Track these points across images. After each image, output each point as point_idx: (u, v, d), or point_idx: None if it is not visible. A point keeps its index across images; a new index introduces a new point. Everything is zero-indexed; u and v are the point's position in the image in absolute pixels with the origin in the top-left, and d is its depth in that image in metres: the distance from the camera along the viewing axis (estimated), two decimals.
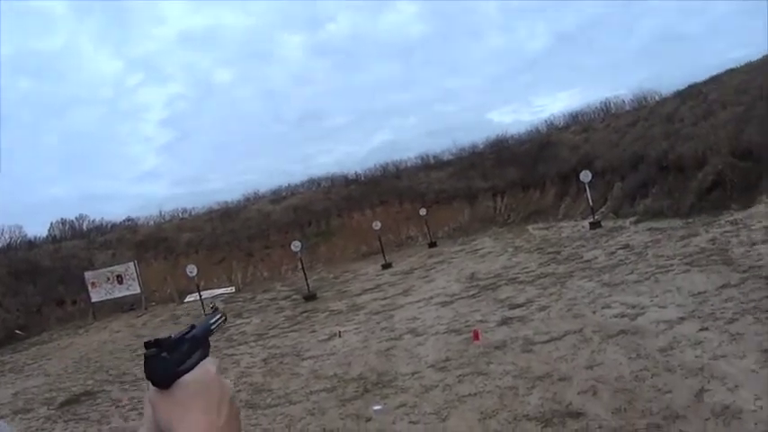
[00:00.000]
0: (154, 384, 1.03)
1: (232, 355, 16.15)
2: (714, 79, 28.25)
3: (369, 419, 8.99)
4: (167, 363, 1.02)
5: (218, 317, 1.27)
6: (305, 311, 21.10)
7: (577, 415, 7.52)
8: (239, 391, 12.05)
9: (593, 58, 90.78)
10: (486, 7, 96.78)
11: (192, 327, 1.15)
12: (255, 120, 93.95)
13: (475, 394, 9.02)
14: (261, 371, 13.67)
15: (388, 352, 12.79)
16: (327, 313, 19.59)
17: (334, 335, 15.78)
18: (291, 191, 44.30)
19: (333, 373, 12.03)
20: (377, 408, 9.38)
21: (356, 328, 16.07)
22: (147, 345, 1.04)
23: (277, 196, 43.68)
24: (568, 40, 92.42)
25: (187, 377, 1.03)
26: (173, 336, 1.08)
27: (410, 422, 8.53)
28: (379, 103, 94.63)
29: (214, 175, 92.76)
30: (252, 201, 44.08)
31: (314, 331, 17.09)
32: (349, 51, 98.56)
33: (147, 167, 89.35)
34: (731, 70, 27.98)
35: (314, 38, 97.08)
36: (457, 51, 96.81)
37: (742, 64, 28.03)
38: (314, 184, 44.41)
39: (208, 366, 1.07)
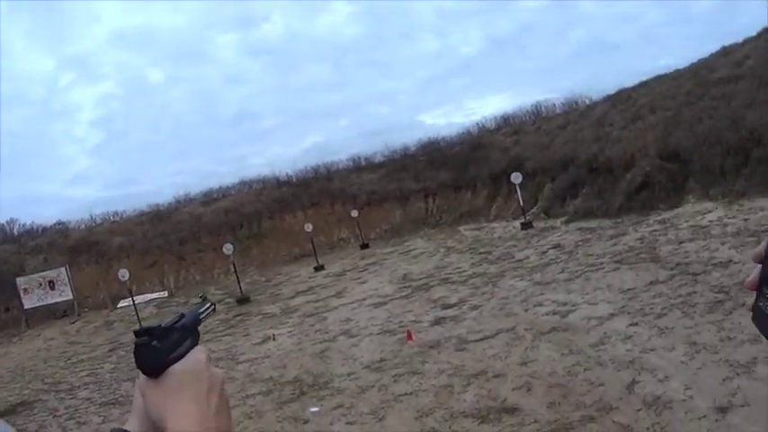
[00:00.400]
0: (144, 373, 1.01)
1: None
2: (643, 85, 28.81)
3: (306, 421, 8.82)
4: (158, 351, 1.01)
5: (207, 306, 1.24)
6: (238, 315, 20.81)
7: (513, 410, 7.50)
8: None
9: (526, 63, 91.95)
10: (421, 10, 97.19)
11: (182, 316, 1.13)
12: (188, 120, 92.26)
13: (411, 393, 8.93)
14: None
15: (322, 354, 12.62)
16: (261, 316, 19.36)
17: (269, 338, 15.57)
18: (223, 192, 43.40)
19: (268, 376, 11.83)
20: (314, 409, 9.22)
21: (290, 331, 15.88)
22: (138, 333, 1.03)
23: (208, 198, 42.76)
24: (502, 44, 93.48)
25: (177, 366, 1.01)
26: (163, 324, 1.06)
27: (347, 423, 8.38)
28: (311, 105, 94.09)
29: (145, 177, 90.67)
30: (183, 203, 42.98)
31: (248, 335, 16.88)
32: (283, 52, 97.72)
33: (78, 169, 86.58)
34: (660, 76, 28.56)
35: (248, 38, 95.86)
36: (390, 53, 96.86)
37: (671, 71, 28.63)
38: (245, 185, 43.61)
39: (198, 355, 1.05)
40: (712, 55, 26.44)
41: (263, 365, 12.90)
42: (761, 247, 0.81)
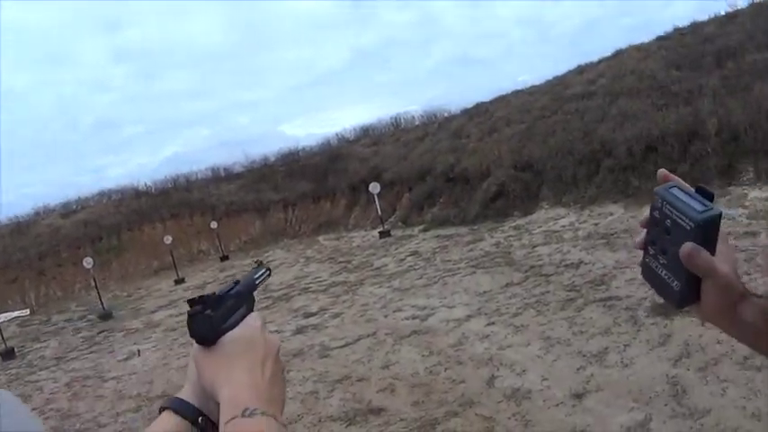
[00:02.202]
0: (198, 343, 1.01)
1: (36, 381, 14.88)
2: (501, 99, 29.77)
3: None
4: (211, 320, 0.99)
5: (262, 271, 1.24)
6: (102, 331, 19.86)
7: (379, 411, 7.46)
8: (46, 418, 11.15)
9: (389, 75, 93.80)
10: (285, 20, 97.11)
11: (236, 282, 1.10)
12: (49, 127, 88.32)
13: None
14: (65, 395, 12.65)
15: (187, 367, 12.06)
16: (125, 332, 18.57)
17: (134, 354, 14.96)
18: (82, 204, 41.21)
19: (137, 393, 11.36)
20: None
21: (154, 346, 15.32)
22: (191, 302, 1.00)
23: (67, 210, 40.47)
24: (366, 56, 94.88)
25: (231, 334, 1.00)
26: (217, 292, 1.03)
27: None
28: (173, 113, 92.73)
29: (3, 187, 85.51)
30: (42, 215, 40.56)
31: (113, 351, 16.16)
32: (148, 58, 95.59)
33: None
34: (517, 91, 29.62)
35: (113, 42, 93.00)
36: (253, 62, 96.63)
37: (528, 86, 29.70)
38: (105, 196, 41.70)
39: (252, 322, 1.04)
40: (569, 72, 27.70)
41: (130, 382, 12.36)
42: (644, 217, 1.06)
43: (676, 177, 1.04)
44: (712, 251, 0.96)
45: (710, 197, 0.97)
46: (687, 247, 0.95)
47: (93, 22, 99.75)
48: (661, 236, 1.01)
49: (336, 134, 43.53)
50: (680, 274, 0.98)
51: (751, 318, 0.99)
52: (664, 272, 1.01)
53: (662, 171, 1.06)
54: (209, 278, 26.68)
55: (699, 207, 0.95)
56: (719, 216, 0.96)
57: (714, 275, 0.96)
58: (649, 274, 1.06)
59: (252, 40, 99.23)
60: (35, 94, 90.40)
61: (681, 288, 0.99)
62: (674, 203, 0.98)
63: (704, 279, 0.97)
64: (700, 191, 0.98)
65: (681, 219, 0.96)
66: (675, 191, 1.00)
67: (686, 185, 1.01)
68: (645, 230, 1.06)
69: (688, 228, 0.95)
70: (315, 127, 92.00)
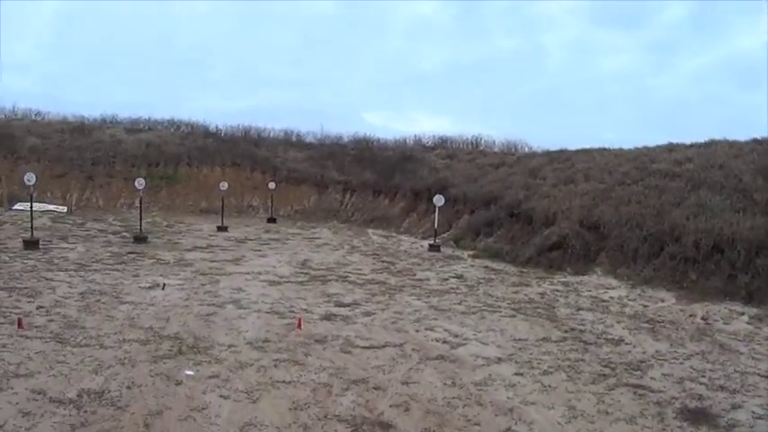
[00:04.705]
0: None
1: (50, 279, 14.97)
2: (585, 151, 29.53)
3: (179, 383, 8.46)
4: None
5: None
6: (132, 252, 20.04)
7: (387, 426, 7.42)
8: (50, 320, 11.26)
9: (478, 94, 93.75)
10: (391, 15, 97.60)
11: None
12: (143, 47, 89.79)
13: (289, 382, 8.74)
14: (76, 305, 12.67)
15: (208, 317, 12.25)
16: (154, 261, 18.72)
17: (158, 285, 15.04)
18: (149, 125, 41.98)
19: (149, 326, 11.38)
20: (188, 372, 8.89)
21: (180, 285, 15.38)
22: None
23: (134, 127, 41.30)
24: (461, 69, 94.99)
25: None
26: None
27: (220, 396, 8.10)
28: (263, 68, 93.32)
29: (83, 84, 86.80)
30: (108, 124, 41.38)
31: (137, 276, 16.23)
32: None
33: (18, 58, 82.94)
34: (603, 149, 29.32)
35: None
36: (352, 46, 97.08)
37: (614, 147, 29.47)
38: (173, 125, 42.38)
39: None
40: (658, 146, 27.35)
41: (145, 312, 12.40)
42: None
43: None
44: None
45: None
46: None
47: None
48: None
49: (414, 136, 43.50)
50: None
51: None
52: None
53: None
54: (251, 234, 26.98)
55: None
56: None
57: None
58: None
59: (357, 24, 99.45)
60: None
61: None
62: None
63: None
64: None
65: None
66: None
67: None
68: None
69: None
70: (395, 123, 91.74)
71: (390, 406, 8.07)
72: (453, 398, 8.46)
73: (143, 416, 7.28)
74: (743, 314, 13.73)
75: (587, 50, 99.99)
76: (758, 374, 9.95)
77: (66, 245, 20.75)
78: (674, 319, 13.77)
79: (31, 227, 20.28)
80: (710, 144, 25.78)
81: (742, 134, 25.71)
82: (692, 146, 26.20)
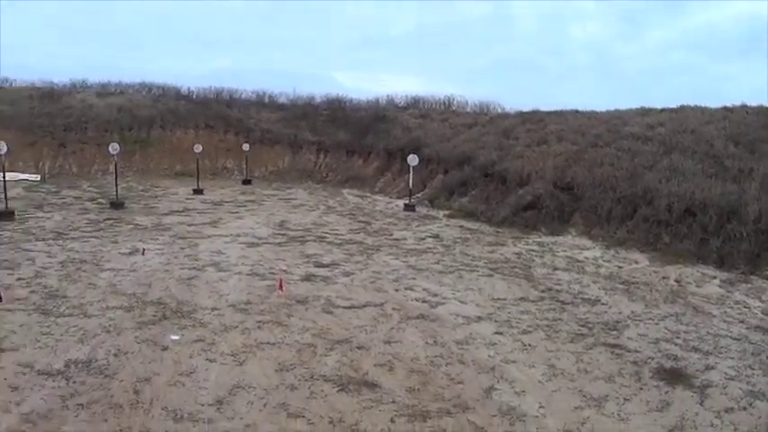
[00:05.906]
0: None
1: (29, 251, 14.74)
2: (558, 113, 29.57)
3: (165, 348, 8.58)
4: None
5: None
6: (110, 219, 19.84)
7: (372, 386, 7.61)
8: (32, 291, 11.19)
9: (448, 58, 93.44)
10: None
11: None
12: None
13: (273, 344, 8.90)
14: (57, 274, 12.59)
15: (189, 281, 12.33)
16: (132, 226, 18.60)
17: (137, 251, 15.02)
18: (120, 89, 41.13)
19: (132, 292, 11.43)
20: (174, 337, 9.00)
21: (159, 249, 15.38)
22: None
23: (105, 91, 40.45)
24: (431, 33, 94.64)
25: None
26: None
27: (207, 359, 8.24)
28: (233, 28, 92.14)
29: (51, 51, 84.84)
30: (78, 88, 40.48)
31: (116, 242, 16.14)
32: None
33: None
34: (576, 111, 29.46)
35: None
36: (323, 6, 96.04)
37: (587, 109, 29.64)
38: (145, 88, 41.64)
39: None
40: (630, 110, 27.58)
41: (127, 279, 12.43)
42: None
43: None
44: None
45: None
46: None
47: None
48: None
49: (387, 96, 43.14)
50: None
51: None
52: None
53: None
54: (227, 197, 26.85)
55: None
56: None
57: None
58: None
59: None
60: None
61: None
62: None
63: None
64: None
65: None
66: None
67: None
68: None
69: None
70: (366, 83, 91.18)
71: (375, 365, 8.27)
72: (436, 356, 8.69)
73: (132, 383, 7.39)
74: (714, 278, 14.01)
75: (558, 18, 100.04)
76: (730, 337, 10.24)
77: (42, 214, 20.42)
78: (648, 280, 14.05)
79: (5, 197, 19.99)
80: (682, 109, 26.06)
81: (714, 102, 25.88)
82: (663, 110, 26.47)
